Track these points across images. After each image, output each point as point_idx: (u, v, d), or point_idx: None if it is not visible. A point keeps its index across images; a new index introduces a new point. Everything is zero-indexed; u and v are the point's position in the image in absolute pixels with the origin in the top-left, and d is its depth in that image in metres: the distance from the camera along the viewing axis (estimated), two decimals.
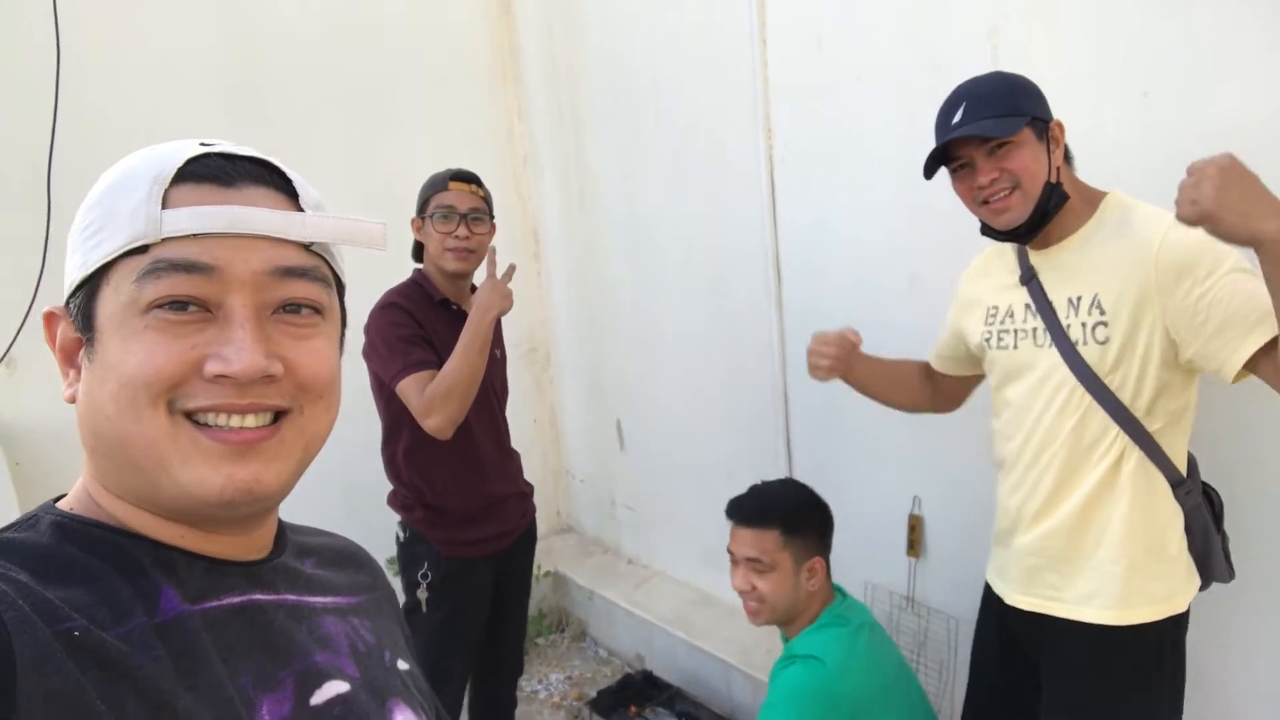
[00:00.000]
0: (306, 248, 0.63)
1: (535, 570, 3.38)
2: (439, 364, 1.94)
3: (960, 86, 1.48)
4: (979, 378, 1.83)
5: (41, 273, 2.41)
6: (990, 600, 1.74)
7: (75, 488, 0.64)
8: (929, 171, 1.51)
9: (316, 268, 0.64)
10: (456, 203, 2.06)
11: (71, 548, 0.57)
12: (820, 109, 2.29)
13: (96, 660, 0.51)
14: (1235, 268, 1.29)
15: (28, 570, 0.53)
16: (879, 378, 1.90)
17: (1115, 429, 1.44)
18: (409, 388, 1.92)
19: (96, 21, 2.51)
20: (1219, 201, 1.14)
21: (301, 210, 0.63)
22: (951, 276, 2.07)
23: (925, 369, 1.91)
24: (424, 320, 2.03)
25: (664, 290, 3.00)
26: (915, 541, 2.32)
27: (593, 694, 2.90)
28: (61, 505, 0.62)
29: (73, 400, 0.61)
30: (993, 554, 1.72)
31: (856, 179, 2.25)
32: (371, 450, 2.20)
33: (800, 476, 2.66)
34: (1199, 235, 1.31)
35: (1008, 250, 1.62)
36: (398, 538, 2.15)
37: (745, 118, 2.48)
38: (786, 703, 1.70)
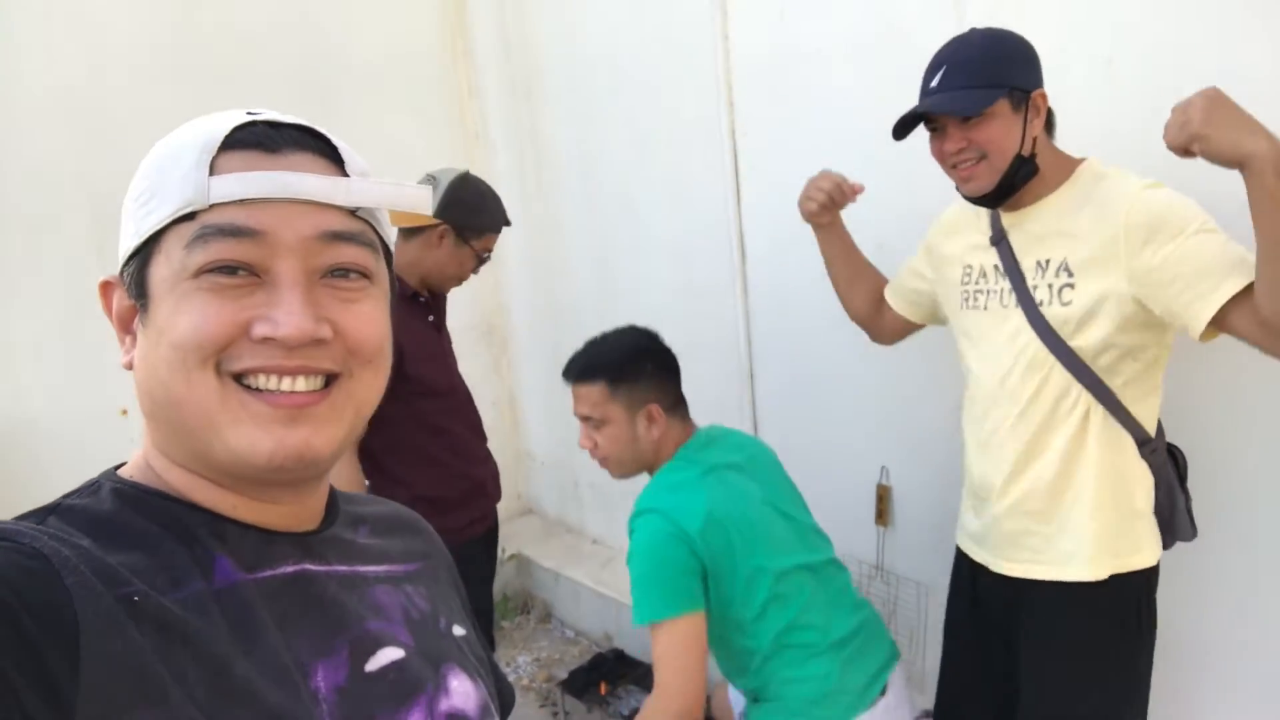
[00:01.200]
0: (353, 213, 0.63)
1: (500, 554, 3.35)
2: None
3: (946, 46, 1.48)
4: (916, 326, 1.87)
5: None
6: (962, 565, 1.76)
7: (136, 455, 0.65)
8: (899, 133, 1.52)
9: (363, 232, 0.64)
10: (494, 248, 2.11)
11: (131, 513, 0.58)
12: (783, 81, 2.28)
13: (156, 624, 0.52)
14: (1203, 228, 1.31)
15: (89, 535, 0.55)
16: (847, 257, 1.90)
17: (1079, 388, 1.46)
18: None
19: (35, 9, 2.38)
20: (1207, 121, 1.18)
21: (347, 176, 0.63)
22: (915, 242, 2.09)
23: (880, 297, 1.93)
24: (394, 316, 1.97)
25: (624, 269, 2.98)
26: (884, 511, 2.34)
27: (562, 675, 2.88)
28: (122, 472, 0.63)
29: (129, 366, 0.63)
30: (962, 519, 1.74)
31: (821, 151, 2.24)
32: None
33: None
34: (1168, 197, 1.35)
35: (980, 212, 1.63)
36: None
37: (707, 91, 2.46)
38: (640, 563, 1.64)
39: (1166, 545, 1.56)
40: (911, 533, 2.34)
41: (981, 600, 1.70)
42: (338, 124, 2.59)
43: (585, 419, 1.81)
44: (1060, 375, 1.47)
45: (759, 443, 1.95)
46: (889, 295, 1.89)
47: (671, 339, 2.87)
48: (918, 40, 1.97)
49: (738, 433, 1.94)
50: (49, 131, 2.39)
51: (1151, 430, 1.50)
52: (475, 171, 3.50)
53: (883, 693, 1.73)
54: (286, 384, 0.59)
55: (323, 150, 0.64)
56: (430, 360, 2.08)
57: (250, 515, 0.63)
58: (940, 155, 1.51)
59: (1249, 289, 1.24)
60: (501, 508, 3.76)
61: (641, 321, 2.97)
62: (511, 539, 3.56)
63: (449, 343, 2.26)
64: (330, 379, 0.62)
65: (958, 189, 1.54)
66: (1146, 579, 1.53)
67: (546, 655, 3.19)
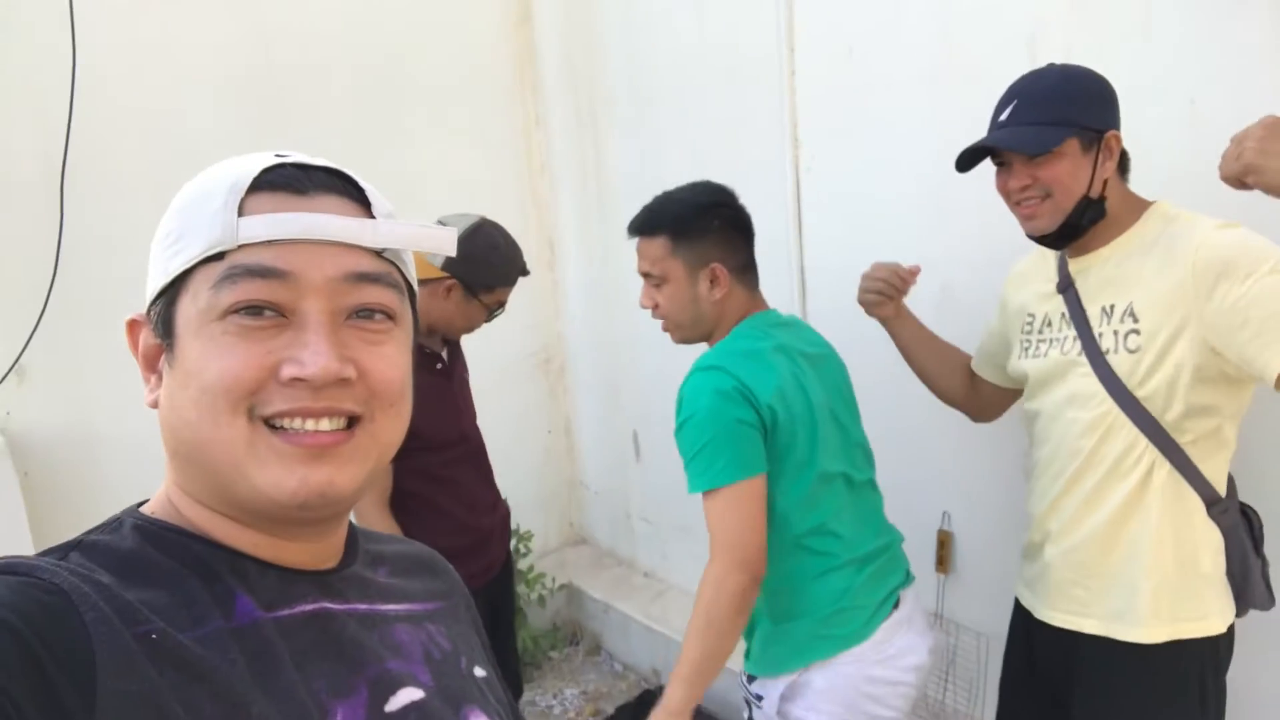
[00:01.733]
0: (379, 254, 0.64)
1: (550, 583, 3.34)
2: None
3: (1019, 81, 1.45)
4: (1016, 393, 1.78)
5: (53, 283, 2.37)
6: (1019, 615, 1.70)
7: (158, 493, 0.66)
8: (962, 166, 1.48)
9: (389, 274, 0.65)
10: (508, 299, 2.06)
11: (152, 550, 0.59)
12: (850, 118, 2.25)
13: (174, 662, 0.52)
14: (1276, 268, 1.24)
15: (110, 572, 0.55)
16: (924, 344, 1.86)
17: (1144, 442, 1.39)
18: None
19: (111, 26, 2.47)
20: (1262, 151, 1.15)
21: (374, 218, 0.64)
22: (983, 287, 2.04)
23: (970, 375, 1.87)
24: None
25: None
26: (944, 558, 2.27)
27: (609, 710, 2.85)
28: (145, 510, 0.64)
29: (155, 405, 0.63)
30: (1022, 567, 1.69)
31: (887, 189, 2.21)
32: None
33: None
34: (1240, 236, 1.29)
35: (1049, 256, 1.58)
36: None
37: (771, 126, 2.44)
38: (701, 424, 1.53)
39: (1240, 613, 1.47)
40: (973, 581, 2.26)
41: (1037, 654, 1.63)
42: (404, 154, 2.63)
43: (646, 275, 1.72)
44: (1125, 429, 1.40)
45: (831, 347, 1.82)
46: (977, 367, 1.83)
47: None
48: (989, 77, 1.92)
49: (812, 329, 1.84)
50: (130, 151, 2.47)
51: (1221, 489, 1.42)
52: (539, 200, 3.57)
53: (895, 606, 1.67)
54: (311, 424, 0.60)
55: (350, 192, 0.65)
56: (434, 414, 2.01)
57: (270, 553, 0.64)
58: (1005, 191, 1.47)
59: None
60: (554, 535, 3.80)
61: (695, 354, 2.96)
62: (563, 568, 3.55)
63: (462, 389, 2.20)
64: (353, 420, 0.63)
65: (1021, 226, 1.49)
66: (1213, 648, 1.43)
67: (594, 688, 3.16)
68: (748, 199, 2.61)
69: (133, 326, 0.66)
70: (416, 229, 0.65)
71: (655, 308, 1.72)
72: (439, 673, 0.70)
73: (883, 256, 2.25)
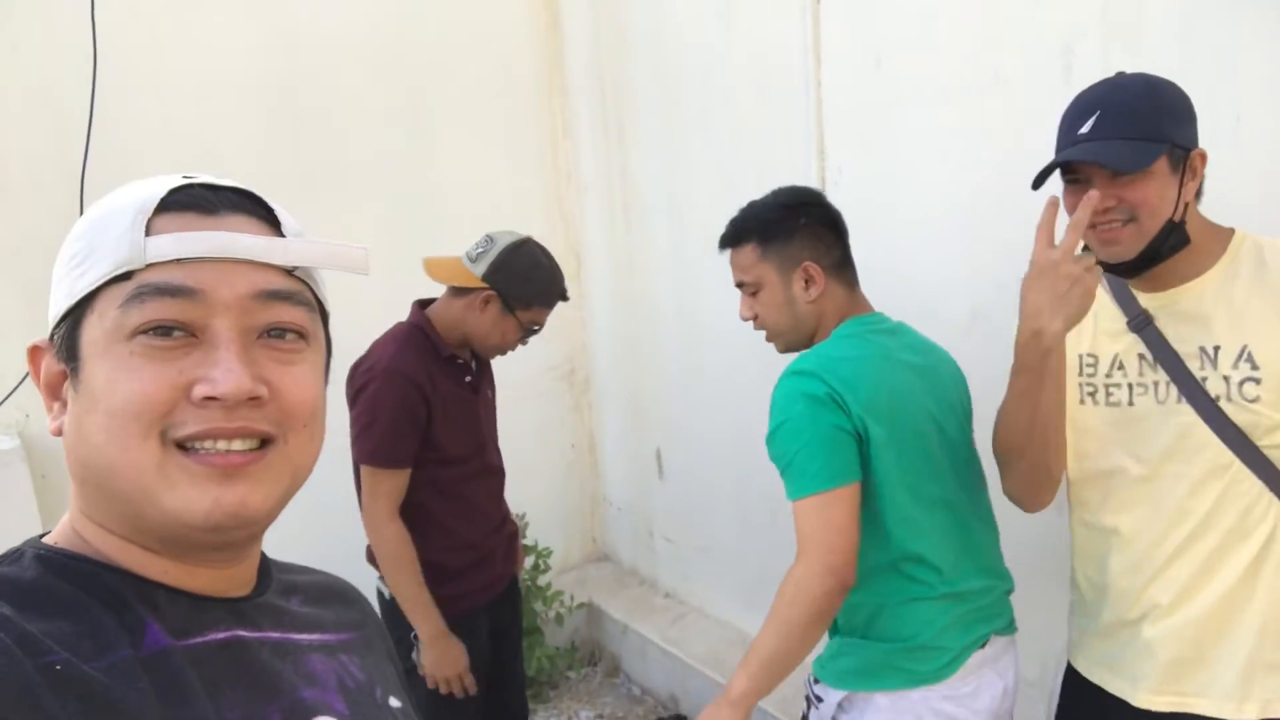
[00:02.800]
0: (290, 273, 0.64)
1: (569, 600, 3.28)
2: (412, 456, 1.91)
3: (1097, 88, 1.28)
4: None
5: None
6: (1084, 694, 1.48)
7: (61, 523, 0.64)
8: (1038, 183, 1.31)
9: (300, 292, 0.64)
10: (545, 322, 2.04)
11: (55, 580, 0.58)
12: (877, 130, 2.17)
13: (78, 694, 0.51)
14: None
15: (10, 603, 0.54)
16: (1052, 409, 1.40)
17: (1269, 497, 1.24)
18: (374, 481, 1.89)
19: (133, 31, 2.49)
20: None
21: (284, 237, 0.64)
22: (1013, 309, 1.93)
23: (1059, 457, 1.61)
24: (428, 379, 1.94)
25: (709, 316, 2.89)
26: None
27: None
28: (47, 540, 0.63)
29: (58, 433, 0.63)
30: (1087, 640, 1.49)
31: (915, 204, 2.12)
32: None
33: None
34: None
35: (1100, 292, 1.39)
36: (380, 594, 2.02)
37: (797, 138, 2.37)
38: (794, 430, 1.46)
39: None
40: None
41: None
42: (429, 163, 2.59)
43: (741, 286, 1.68)
44: (1247, 482, 1.25)
45: (946, 356, 1.71)
46: None
47: (754, 390, 2.77)
48: (1022, 90, 1.84)
49: (922, 336, 1.72)
50: (151, 156, 2.48)
51: None
52: (565, 211, 3.53)
53: (983, 645, 1.53)
54: (223, 444, 0.59)
55: (259, 212, 0.65)
56: (456, 425, 2.00)
57: (181, 580, 0.63)
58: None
59: None
60: (576, 552, 3.74)
61: (723, 371, 2.89)
62: (583, 585, 3.49)
63: (487, 409, 2.16)
64: (265, 441, 0.62)
65: (1085, 248, 1.31)
66: None
67: (610, 712, 3.09)
68: None
69: (34, 353, 0.65)
70: (328, 247, 0.64)
71: (755, 319, 1.67)
72: (354, 702, 0.69)
73: (909, 272, 2.17)
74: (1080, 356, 1.41)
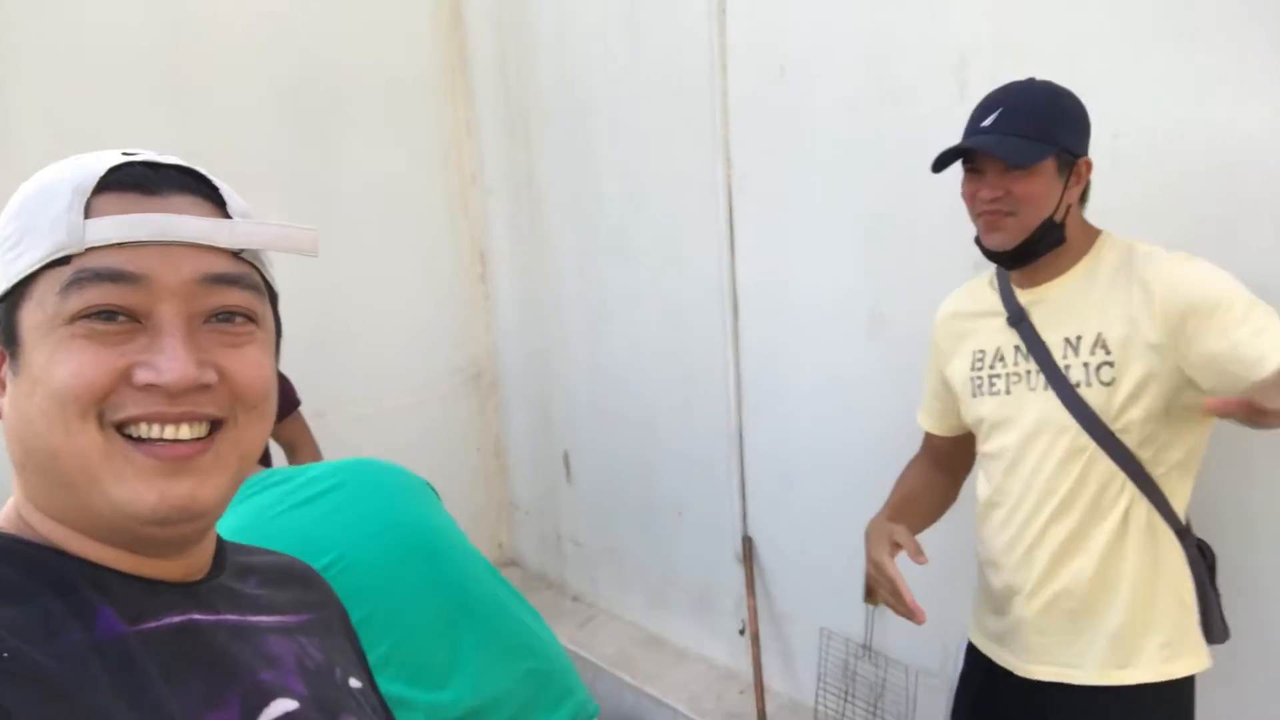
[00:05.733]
0: (236, 255, 0.62)
1: None
2: None
3: (1004, 89, 1.38)
4: (967, 440, 1.65)
5: None
6: (981, 668, 1.59)
7: (5, 509, 0.63)
8: (938, 167, 1.40)
9: (247, 275, 0.62)
10: None
11: (3, 567, 0.56)
12: (781, 138, 2.22)
13: (30, 679, 0.50)
14: (1246, 301, 1.22)
15: None
16: (921, 507, 1.70)
17: (1122, 477, 1.34)
18: None
19: (15, 13, 2.33)
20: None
21: (229, 218, 0.62)
22: (912, 313, 2.00)
23: (926, 459, 1.74)
24: None
25: (617, 320, 2.90)
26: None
27: None
28: None
29: None
30: (981, 617, 1.59)
31: (817, 211, 2.17)
32: None
33: (754, 517, 2.58)
34: (1204, 271, 1.27)
35: (982, 289, 1.53)
36: None
37: (704, 144, 2.39)
38: None
39: None
40: None
41: (1002, 703, 1.54)
42: (327, 159, 2.51)
43: None
44: (1103, 464, 1.34)
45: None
46: (931, 424, 1.70)
47: (661, 394, 2.80)
48: (917, 102, 1.91)
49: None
50: (34, 148, 2.32)
51: (1184, 520, 1.39)
52: (470, 211, 3.47)
53: None
54: (170, 432, 0.58)
55: (204, 191, 0.62)
56: None
57: (134, 566, 0.61)
58: (971, 198, 1.40)
59: None
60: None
61: (630, 373, 2.91)
62: None
63: None
64: (214, 425, 0.60)
65: (977, 240, 1.42)
66: (1194, 686, 1.40)
67: None
68: (681, 216, 2.57)
69: None
70: (275, 229, 0.62)
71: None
72: (313, 683, 0.68)
73: (813, 278, 2.22)
74: (973, 352, 1.51)
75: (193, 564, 0.66)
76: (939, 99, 1.85)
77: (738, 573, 2.61)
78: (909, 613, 1.45)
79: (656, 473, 2.87)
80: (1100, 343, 1.33)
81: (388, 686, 1.02)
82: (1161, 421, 1.32)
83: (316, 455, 2.41)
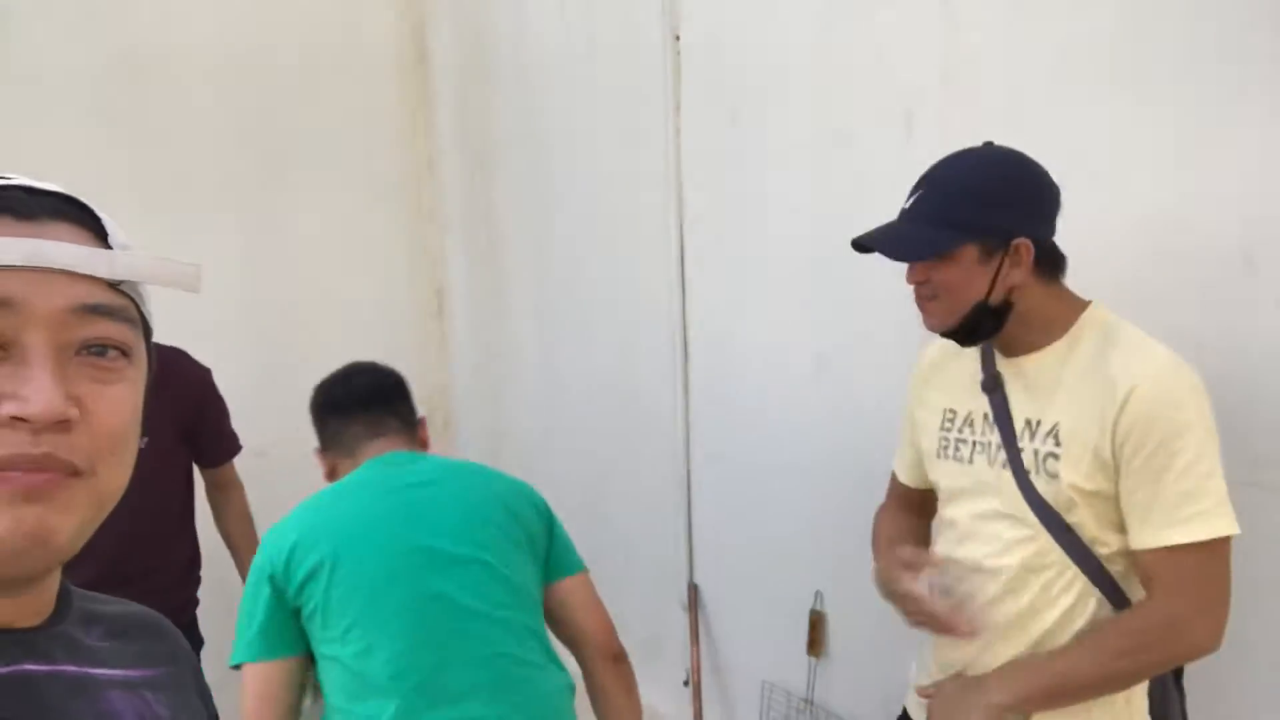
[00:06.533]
0: (114, 287, 0.59)
1: None
2: None
3: (936, 165, 1.31)
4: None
5: None
6: None
7: None
8: (859, 249, 1.34)
9: (125, 308, 0.60)
10: None
11: None
12: (732, 181, 2.22)
13: None
14: (1195, 450, 1.15)
15: None
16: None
17: (1073, 570, 1.26)
18: None
19: None
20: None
21: (110, 248, 0.60)
22: (855, 357, 1.99)
23: (898, 507, 1.65)
24: None
25: (570, 360, 2.87)
26: (816, 640, 2.18)
27: None
28: None
29: None
30: (920, 685, 1.49)
31: (765, 255, 2.16)
32: None
33: (700, 563, 2.53)
34: (1175, 390, 1.18)
35: (972, 350, 1.43)
36: None
37: (657, 185, 2.39)
38: None
39: None
40: (846, 666, 2.17)
41: None
42: (286, 192, 2.48)
43: None
44: (1054, 554, 1.26)
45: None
46: (909, 478, 1.61)
47: (611, 435, 2.76)
48: (866, 148, 1.91)
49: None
50: None
51: None
52: (428, 247, 3.45)
53: None
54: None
55: (83, 220, 0.60)
56: None
57: None
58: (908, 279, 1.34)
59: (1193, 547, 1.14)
60: None
61: (583, 412, 2.86)
62: None
63: None
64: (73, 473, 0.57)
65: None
66: None
67: None
68: (634, 258, 2.56)
69: None
70: (157, 261, 0.60)
71: None
72: None
73: (761, 321, 2.21)
74: (944, 410, 1.43)
75: (31, 607, 0.61)
76: (886, 143, 1.85)
77: (683, 620, 2.55)
78: (966, 630, 1.32)
79: (607, 515, 2.82)
80: (1053, 433, 1.25)
81: None
82: (1117, 525, 1.23)
83: (244, 499, 2.37)
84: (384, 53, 3.18)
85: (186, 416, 2.15)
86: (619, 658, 1.64)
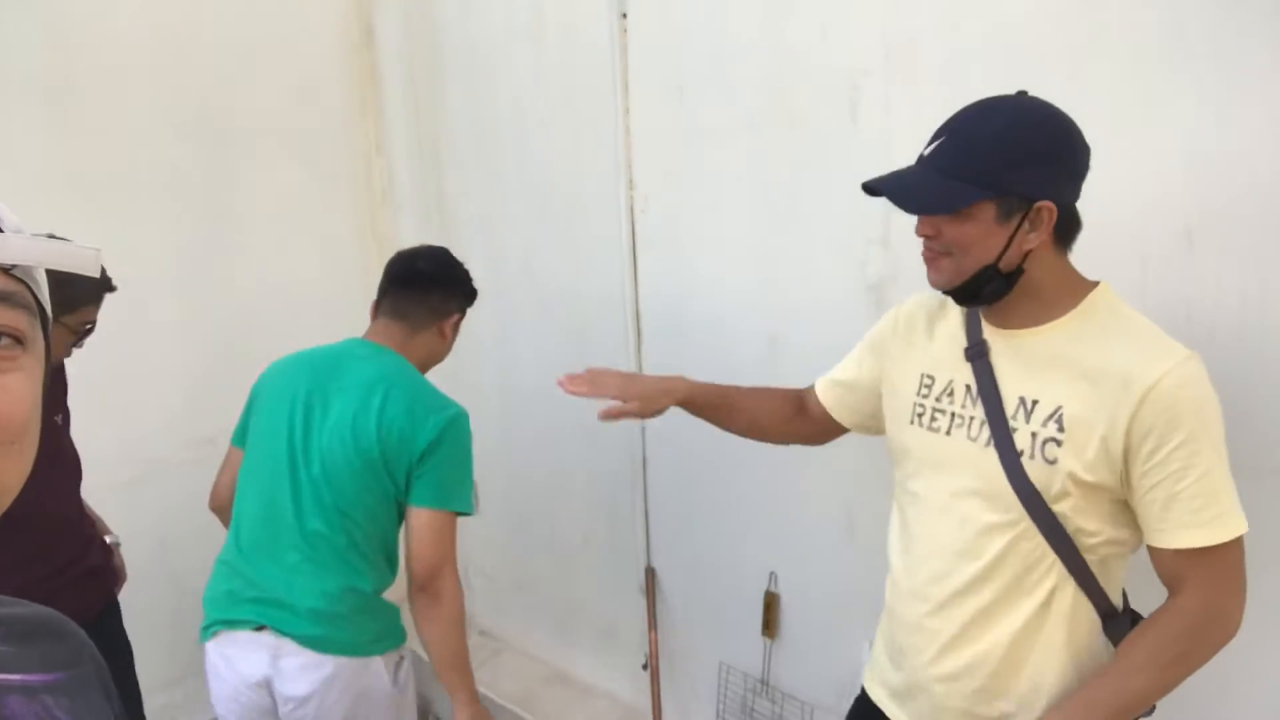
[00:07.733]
0: (7, 272, 0.58)
1: None
2: None
3: (963, 111, 1.20)
4: (839, 432, 1.60)
5: None
6: (870, 715, 1.46)
7: None
8: (870, 192, 1.23)
9: (18, 294, 0.58)
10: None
11: None
12: (681, 160, 2.18)
13: None
14: (1211, 450, 1.12)
15: None
16: (727, 404, 1.67)
17: (1052, 557, 1.21)
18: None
19: None
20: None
21: (1, 232, 0.57)
22: (809, 341, 1.97)
23: (798, 402, 1.64)
24: None
25: (525, 344, 2.83)
26: (771, 621, 2.17)
27: None
28: None
29: None
30: (882, 666, 1.45)
31: (716, 234, 2.14)
32: None
33: (656, 546, 2.51)
34: (1193, 391, 1.12)
35: (952, 309, 1.36)
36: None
37: (607, 166, 2.35)
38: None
39: None
40: (801, 647, 2.17)
41: None
42: (230, 176, 2.40)
43: None
44: (1033, 540, 1.21)
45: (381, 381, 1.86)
46: (826, 394, 1.57)
47: (567, 421, 2.72)
48: (812, 125, 1.89)
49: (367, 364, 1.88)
50: None
51: (1119, 602, 1.28)
52: (379, 230, 3.37)
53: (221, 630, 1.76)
54: None
55: None
56: None
57: None
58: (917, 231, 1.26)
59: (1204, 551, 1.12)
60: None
61: (541, 400, 2.83)
62: None
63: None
64: None
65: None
66: None
67: None
68: (585, 238, 2.52)
69: None
70: (52, 245, 0.57)
71: None
72: None
73: (713, 301, 2.18)
74: (921, 374, 1.37)
75: None
76: (832, 121, 1.84)
77: (642, 605, 2.53)
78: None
79: (565, 500, 2.79)
80: (1056, 417, 1.18)
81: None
82: (1108, 512, 1.19)
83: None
84: (330, 31, 3.09)
85: None
86: (423, 589, 1.79)
